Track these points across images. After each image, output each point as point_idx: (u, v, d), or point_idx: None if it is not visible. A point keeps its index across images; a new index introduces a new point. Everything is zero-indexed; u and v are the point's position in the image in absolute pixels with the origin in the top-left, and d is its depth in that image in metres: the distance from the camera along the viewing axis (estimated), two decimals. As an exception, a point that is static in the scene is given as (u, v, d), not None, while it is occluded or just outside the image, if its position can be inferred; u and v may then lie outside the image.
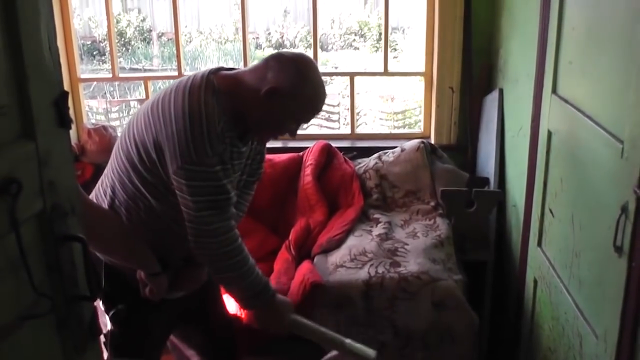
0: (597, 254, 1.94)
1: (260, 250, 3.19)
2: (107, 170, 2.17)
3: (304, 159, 3.49)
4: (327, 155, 3.48)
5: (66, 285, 1.26)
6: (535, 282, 2.59)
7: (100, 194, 2.15)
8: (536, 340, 2.58)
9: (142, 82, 4.15)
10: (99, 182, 2.21)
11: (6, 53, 1.09)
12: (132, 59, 11.58)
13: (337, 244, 3.01)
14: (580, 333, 2.08)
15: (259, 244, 3.21)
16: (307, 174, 3.37)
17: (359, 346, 2.21)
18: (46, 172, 1.19)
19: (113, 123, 7.22)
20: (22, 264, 1.11)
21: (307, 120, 2.12)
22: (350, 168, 3.45)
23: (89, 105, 7.43)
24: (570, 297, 2.17)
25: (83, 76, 4.08)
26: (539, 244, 2.55)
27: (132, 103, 7.99)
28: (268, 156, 3.47)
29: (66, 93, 1.24)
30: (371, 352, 2.19)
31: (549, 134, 2.45)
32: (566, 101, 2.27)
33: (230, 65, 2.30)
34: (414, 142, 3.44)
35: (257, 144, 2.22)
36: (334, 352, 2.24)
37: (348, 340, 2.21)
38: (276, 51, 2.06)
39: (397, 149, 3.47)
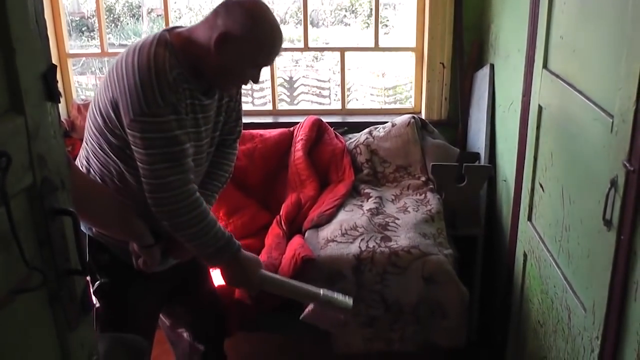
0: (587, 228, 1.96)
1: (251, 225, 3.21)
2: (83, 143, 2.17)
3: (294, 134, 3.49)
4: (318, 130, 3.48)
5: (57, 260, 1.26)
6: (525, 256, 2.60)
7: (77, 166, 2.14)
8: (526, 314, 2.60)
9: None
10: (78, 156, 2.21)
11: (-7, 26, 1.08)
12: (122, 35, 11.46)
13: (327, 218, 3.02)
14: (569, 306, 2.09)
15: (250, 219, 3.22)
16: (298, 149, 3.37)
17: (335, 296, 2.21)
18: (35, 146, 1.18)
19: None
20: (13, 238, 1.11)
21: (266, 63, 2.05)
22: (341, 143, 3.45)
23: (78, 82, 7.36)
24: (560, 270, 2.19)
25: (72, 52, 4.04)
26: (529, 218, 2.57)
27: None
28: (258, 131, 3.47)
29: (54, 66, 1.23)
30: (349, 301, 2.21)
31: (540, 108, 2.45)
32: (557, 76, 2.27)
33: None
34: (405, 117, 3.44)
35: (229, 100, 2.20)
36: (311, 306, 2.24)
37: (323, 291, 2.21)
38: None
39: (388, 124, 3.47)
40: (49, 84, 1.22)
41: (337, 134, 3.54)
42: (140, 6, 12.07)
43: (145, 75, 1.87)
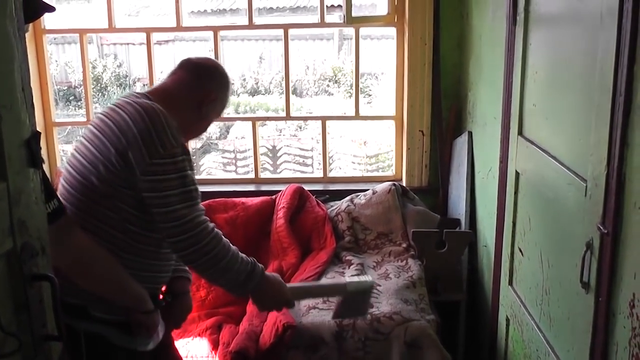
0: (566, 291, 1.98)
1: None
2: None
3: (276, 202, 3.51)
4: (300, 198, 3.51)
5: (34, 325, 1.26)
6: (508, 320, 2.61)
7: (80, 228, 1.99)
8: (509, 379, 2.59)
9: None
10: None
11: (-21, 94, 1.11)
12: (108, 103, 11.55)
13: None
14: (551, 370, 2.10)
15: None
16: (280, 217, 3.38)
17: (357, 280, 2.29)
18: (17, 212, 1.20)
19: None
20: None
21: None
22: (323, 211, 3.47)
23: (63, 150, 7.39)
24: (542, 334, 2.19)
25: (57, 120, 4.08)
26: (510, 282, 2.58)
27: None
28: (241, 199, 3.48)
29: (38, 133, 1.26)
30: (369, 279, 2.29)
31: (517, 174, 2.51)
32: (532, 142, 2.33)
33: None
34: (385, 185, 3.49)
35: None
36: (337, 302, 2.28)
37: (347, 280, 2.28)
38: (184, 59, 2.20)
39: (369, 192, 3.51)
40: (32, 151, 1.24)
41: (319, 201, 3.57)
42: (127, 75, 12.23)
43: (156, 119, 1.91)
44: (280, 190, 3.59)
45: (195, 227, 1.94)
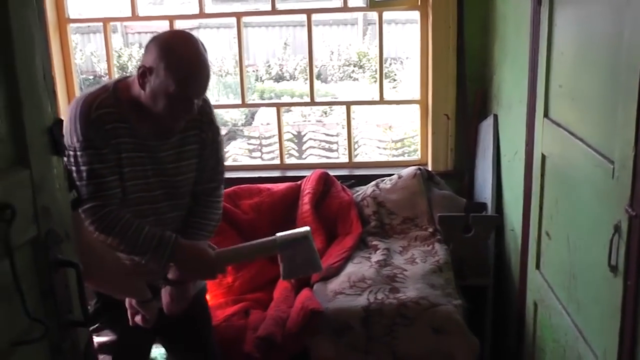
0: (593, 274, 1.95)
1: (259, 279, 3.18)
2: None
3: (302, 188, 3.51)
4: (325, 183, 3.49)
5: (60, 311, 1.27)
6: (535, 305, 2.58)
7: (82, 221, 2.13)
8: (537, 363, 2.57)
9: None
10: None
11: (1, 81, 1.12)
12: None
13: (335, 271, 3.01)
14: (580, 354, 2.07)
15: (257, 273, 3.19)
16: (305, 203, 3.38)
17: (289, 233, 2.21)
18: (40, 198, 1.21)
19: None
20: (16, 290, 1.12)
21: (185, 91, 2.04)
22: (348, 196, 3.46)
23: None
24: (570, 318, 2.17)
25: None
26: (537, 266, 2.56)
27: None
28: (266, 185, 3.47)
29: (60, 121, 1.27)
30: (303, 229, 2.21)
31: (543, 157, 2.47)
32: (558, 124, 2.29)
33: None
34: (411, 169, 3.46)
35: (199, 147, 2.26)
36: (281, 264, 2.21)
37: (278, 236, 2.20)
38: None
39: (394, 177, 3.49)
40: (55, 138, 1.25)
41: (344, 186, 3.55)
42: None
43: (71, 110, 2.07)
44: (305, 176, 3.59)
45: (91, 215, 2.04)
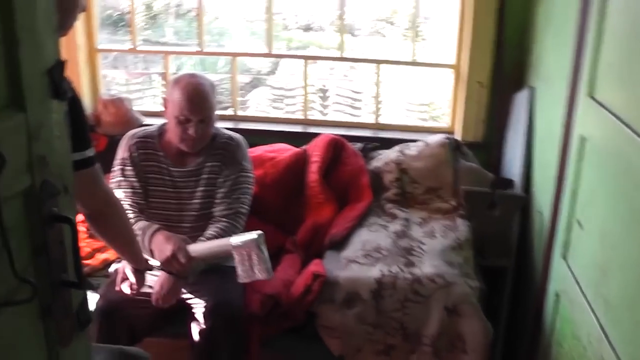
0: (629, 275, 1.80)
1: (269, 247, 3.05)
2: None
3: (309, 154, 3.33)
4: (334, 149, 3.32)
5: (53, 270, 1.16)
6: (557, 296, 2.45)
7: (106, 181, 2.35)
8: (554, 357, 2.44)
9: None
10: None
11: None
12: (159, 32, 11.44)
13: (339, 240, 2.91)
14: (603, 358, 1.93)
15: (267, 242, 3.06)
16: (313, 172, 3.22)
17: (242, 235, 2.39)
18: (36, 147, 1.09)
19: (133, 95, 7.10)
20: (2, 246, 1.01)
21: (185, 111, 2.58)
22: (360, 162, 3.30)
23: (111, 76, 7.29)
24: (595, 317, 2.03)
25: (101, 46, 3.96)
26: (564, 256, 2.41)
27: (152, 76, 7.85)
28: (267, 154, 3.33)
29: (62, 62, 1.14)
30: (255, 233, 2.36)
31: (582, 139, 2.30)
32: (602, 106, 2.12)
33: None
34: (439, 137, 3.31)
35: (214, 177, 2.70)
36: (238, 268, 2.39)
37: (232, 237, 2.40)
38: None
39: (421, 143, 3.33)
40: (56, 81, 1.12)
41: (356, 151, 3.39)
42: (179, 4, 12.08)
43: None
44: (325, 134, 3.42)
45: None
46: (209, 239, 2.55)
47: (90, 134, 1.98)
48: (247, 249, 2.33)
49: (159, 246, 2.48)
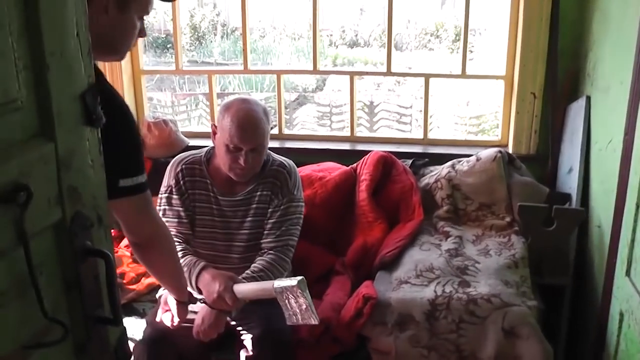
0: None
1: (318, 271, 2.99)
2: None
3: (358, 172, 3.25)
4: (384, 166, 3.22)
5: (87, 306, 1.11)
6: (622, 315, 2.31)
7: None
8: (620, 380, 2.31)
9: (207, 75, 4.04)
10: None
11: (22, 36, 0.93)
12: (205, 52, 11.59)
13: (390, 260, 2.81)
14: (675, 382, 1.81)
15: (316, 267, 3.00)
16: (362, 190, 3.13)
17: (284, 280, 2.25)
18: (67, 177, 1.04)
19: (179, 116, 7.14)
20: (31, 284, 0.95)
21: (236, 139, 2.45)
22: (411, 179, 3.19)
23: (157, 99, 7.36)
24: (666, 338, 1.90)
25: (146, 68, 3.97)
26: (628, 273, 2.28)
27: (199, 97, 7.94)
28: (317, 174, 3.28)
29: (95, 86, 1.09)
30: (295, 279, 2.21)
31: (645, 148, 2.18)
32: (668, 113, 2.00)
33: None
34: (491, 151, 3.18)
35: (263, 207, 2.59)
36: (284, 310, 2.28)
37: (275, 280, 2.27)
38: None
39: (472, 158, 3.21)
40: (88, 107, 1.07)
41: (406, 168, 3.29)
42: (225, 24, 12.20)
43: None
44: (373, 151, 3.33)
45: None
46: (255, 272, 2.47)
47: (143, 158, 1.89)
48: (288, 295, 2.23)
49: (206, 286, 2.39)
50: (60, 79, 1.00)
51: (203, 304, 2.40)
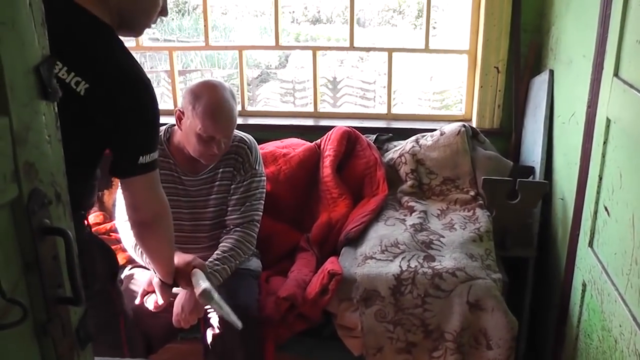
0: (665, 263, 1.70)
1: (282, 249, 2.99)
2: None
3: (322, 148, 3.24)
4: (348, 142, 3.21)
5: (46, 287, 1.07)
6: (584, 286, 2.34)
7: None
8: (582, 350, 2.34)
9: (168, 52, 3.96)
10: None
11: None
12: (166, 30, 11.41)
13: (355, 236, 2.81)
14: (637, 351, 1.84)
15: (280, 244, 3.00)
16: (326, 166, 3.12)
17: (199, 289, 2.23)
18: (23, 153, 0.99)
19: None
20: (-13, 264, 0.92)
21: (209, 129, 2.40)
22: (375, 155, 3.18)
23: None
24: (627, 308, 1.92)
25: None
26: (590, 244, 2.31)
27: (161, 74, 7.82)
28: (280, 151, 3.23)
29: (51, 58, 1.04)
30: (201, 287, 2.22)
31: (608, 121, 2.19)
32: (630, 85, 2.00)
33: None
34: (455, 126, 3.19)
35: (227, 183, 2.60)
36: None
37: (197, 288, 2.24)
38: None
39: (436, 133, 3.22)
40: (43, 79, 1.02)
41: (370, 143, 3.28)
42: (186, 2, 12.02)
43: None
44: (336, 126, 3.31)
45: None
46: (226, 252, 2.47)
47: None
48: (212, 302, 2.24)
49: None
50: (12, 50, 0.95)
51: (180, 292, 2.38)
